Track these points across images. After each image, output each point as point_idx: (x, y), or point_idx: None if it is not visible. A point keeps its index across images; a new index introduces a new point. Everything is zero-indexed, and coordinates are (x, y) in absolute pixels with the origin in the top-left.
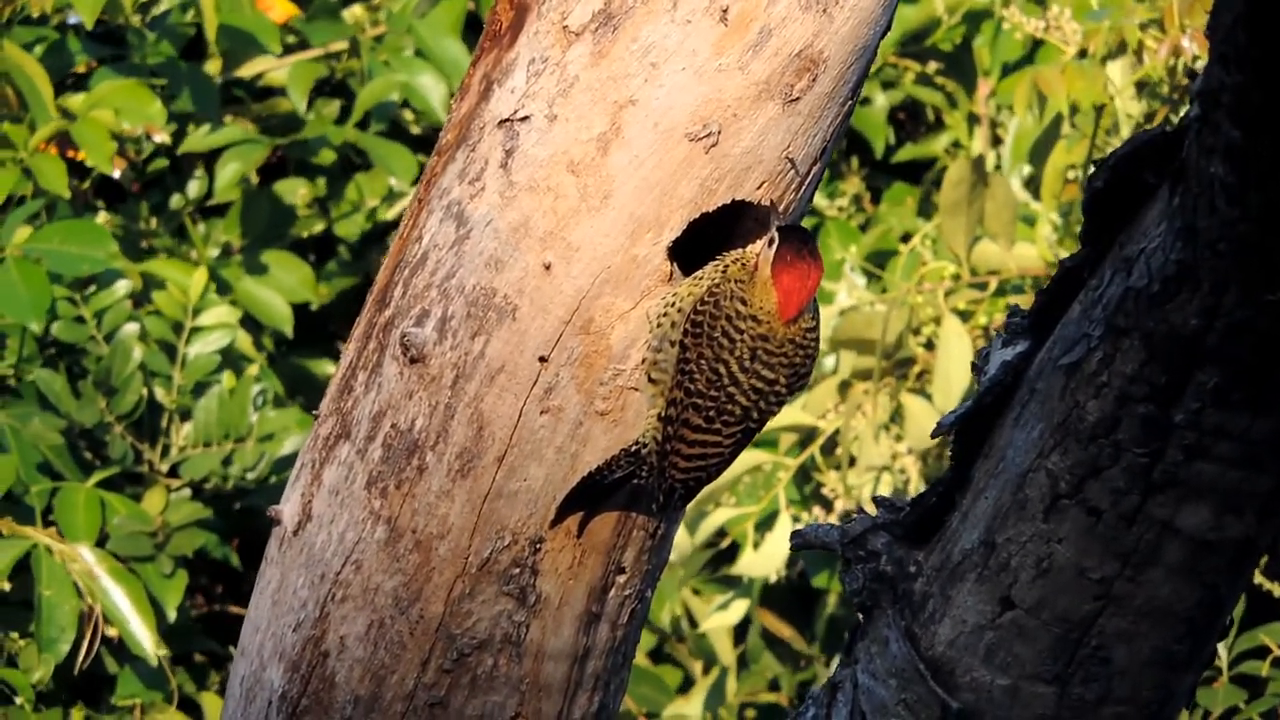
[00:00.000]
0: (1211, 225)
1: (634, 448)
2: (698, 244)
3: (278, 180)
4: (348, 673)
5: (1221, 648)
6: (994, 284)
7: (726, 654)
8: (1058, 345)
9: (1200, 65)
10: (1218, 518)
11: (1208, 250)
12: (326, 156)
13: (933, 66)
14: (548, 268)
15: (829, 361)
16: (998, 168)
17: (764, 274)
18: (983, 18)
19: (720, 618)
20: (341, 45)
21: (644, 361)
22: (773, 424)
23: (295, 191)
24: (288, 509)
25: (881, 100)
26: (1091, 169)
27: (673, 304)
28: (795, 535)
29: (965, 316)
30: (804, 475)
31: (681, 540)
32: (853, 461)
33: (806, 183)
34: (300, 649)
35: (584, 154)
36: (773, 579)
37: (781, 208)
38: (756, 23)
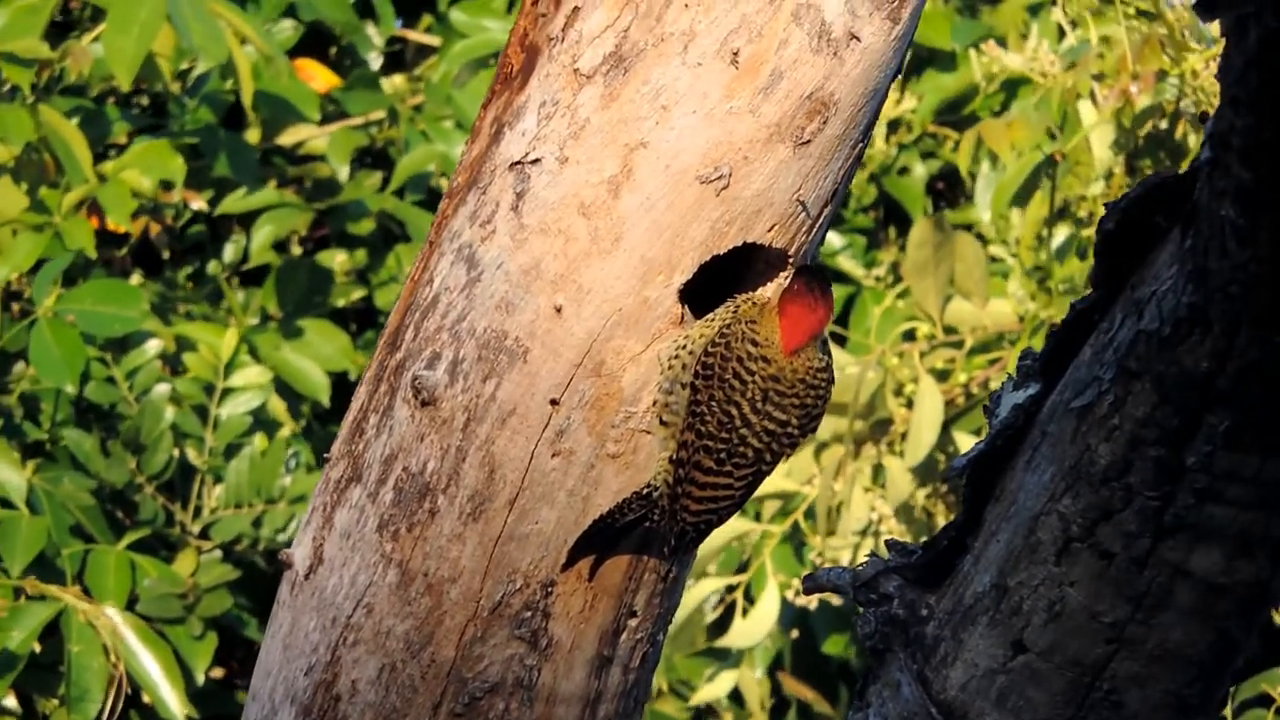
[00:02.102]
0: (1223, 268)
1: (645, 490)
2: (708, 287)
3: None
4: (359, 717)
5: None
6: (970, 341)
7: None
8: (1069, 388)
9: (1142, 109)
10: (1229, 561)
11: (1219, 292)
12: (366, 226)
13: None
14: (559, 310)
15: None
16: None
17: (772, 304)
18: (1020, 84)
19: (710, 690)
20: (380, 115)
21: (655, 404)
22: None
23: (334, 259)
24: (299, 552)
25: (920, 170)
26: (1059, 214)
27: (684, 346)
28: (808, 579)
29: (943, 375)
30: (795, 541)
31: None
32: (832, 526)
33: (817, 225)
34: (312, 693)
35: (595, 196)
36: (769, 645)
37: (792, 250)
38: (767, 65)
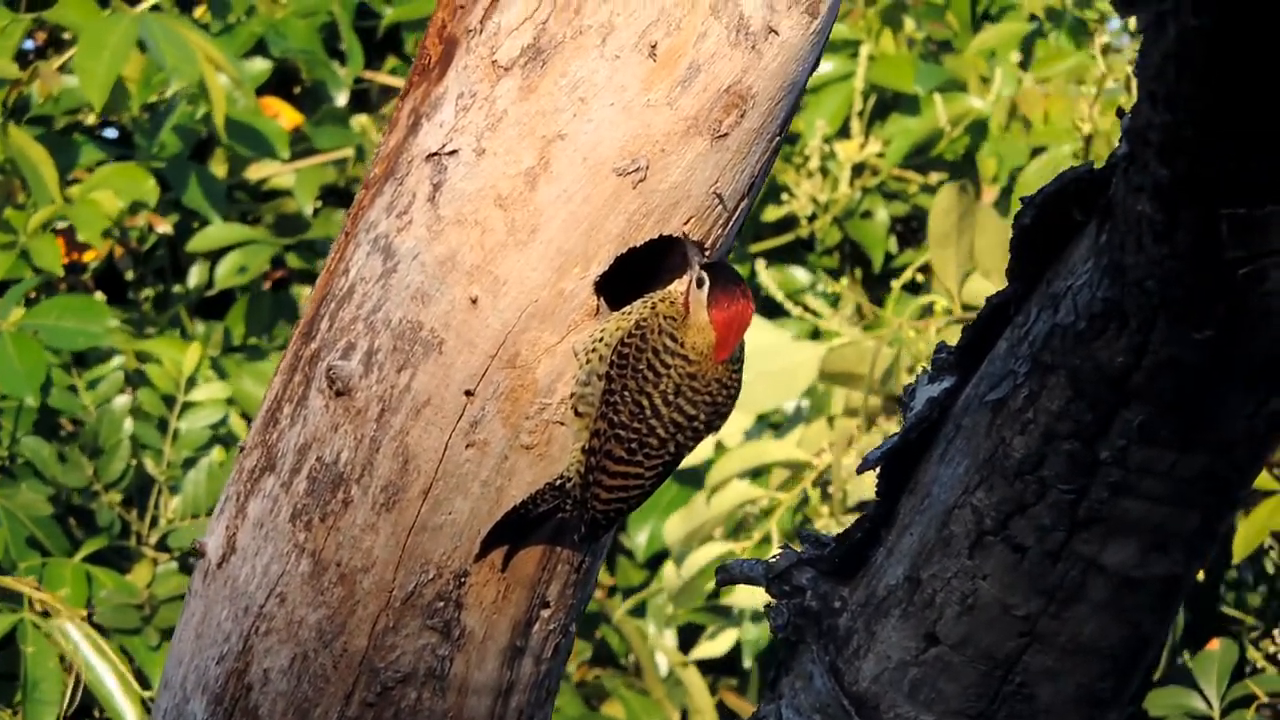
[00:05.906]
0: (1139, 263)
1: (559, 481)
2: (624, 279)
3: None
4: (270, 706)
5: (1214, 697)
6: None
7: (703, 702)
8: (984, 381)
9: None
10: (1143, 555)
11: (1135, 288)
12: None
13: (935, 178)
14: (474, 301)
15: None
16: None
17: (699, 317)
18: (986, 128)
19: (709, 647)
20: (347, 152)
21: (571, 396)
22: (767, 459)
23: (302, 294)
24: (212, 541)
25: (883, 214)
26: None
27: (600, 339)
28: (720, 570)
29: None
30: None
31: (670, 574)
32: (841, 499)
33: (734, 219)
34: (223, 681)
35: (512, 188)
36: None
37: (709, 244)
38: (685, 59)
